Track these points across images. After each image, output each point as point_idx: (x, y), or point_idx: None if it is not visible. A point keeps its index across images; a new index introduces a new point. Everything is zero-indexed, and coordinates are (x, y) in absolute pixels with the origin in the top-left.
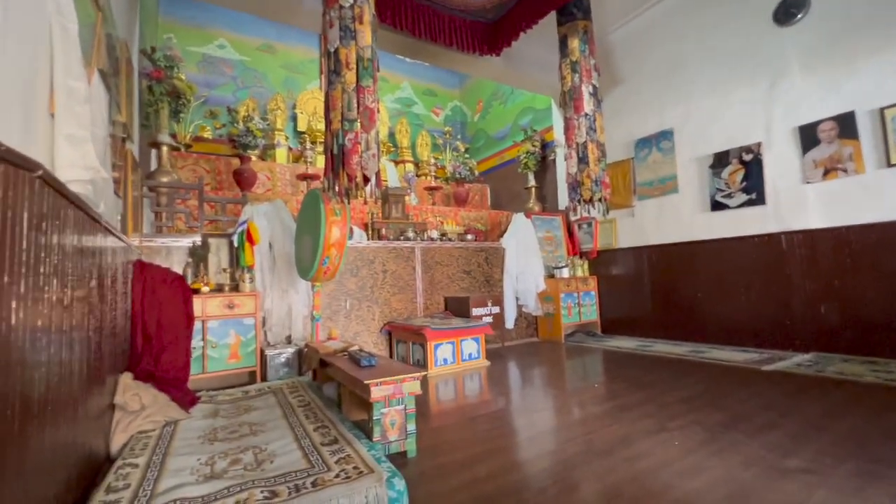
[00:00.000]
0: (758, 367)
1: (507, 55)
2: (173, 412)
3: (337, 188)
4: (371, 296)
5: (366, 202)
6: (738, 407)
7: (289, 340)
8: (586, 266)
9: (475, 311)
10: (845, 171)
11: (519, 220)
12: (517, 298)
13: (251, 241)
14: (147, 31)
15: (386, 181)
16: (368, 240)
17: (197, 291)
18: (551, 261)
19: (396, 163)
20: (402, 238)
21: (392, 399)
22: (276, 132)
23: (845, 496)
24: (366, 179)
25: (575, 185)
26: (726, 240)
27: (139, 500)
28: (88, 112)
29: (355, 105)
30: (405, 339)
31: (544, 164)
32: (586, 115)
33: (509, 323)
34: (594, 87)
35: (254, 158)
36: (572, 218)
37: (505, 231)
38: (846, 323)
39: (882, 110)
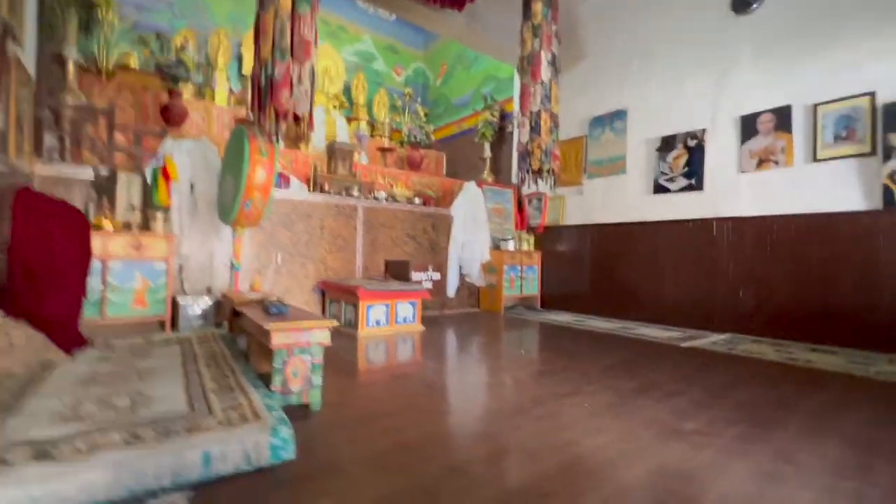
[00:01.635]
0: (677, 344)
1: (471, 14)
2: (50, 354)
3: (263, 125)
4: (306, 252)
5: (298, 147)
6: (651, 376)
7: (209, 291)
8: (532, 241)
9: (415, 276)
10: (777, 162)
11: (470, 188)
12: (461, 267)
13: (167, 177)
14: None
15: (335, 137)
16: (310, 191)
17: (98, 228)
18: (499, 233)
19: (350, 119)
20: (344, 195)
21: (296, 347)
22: (216, 71)
23: (730, 455)
24: (296, 118)
25: (525, 155)
26: (664, 223)
27: None
28: None
29: (288, 33)
30: (338, 299)
31: (502, 136)
32: (542, 83)
33: (451, 291)
34: (553, 55)
35: (187, 96)
36: (524, 192)
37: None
38: (760, 307)
39: (815, 106)
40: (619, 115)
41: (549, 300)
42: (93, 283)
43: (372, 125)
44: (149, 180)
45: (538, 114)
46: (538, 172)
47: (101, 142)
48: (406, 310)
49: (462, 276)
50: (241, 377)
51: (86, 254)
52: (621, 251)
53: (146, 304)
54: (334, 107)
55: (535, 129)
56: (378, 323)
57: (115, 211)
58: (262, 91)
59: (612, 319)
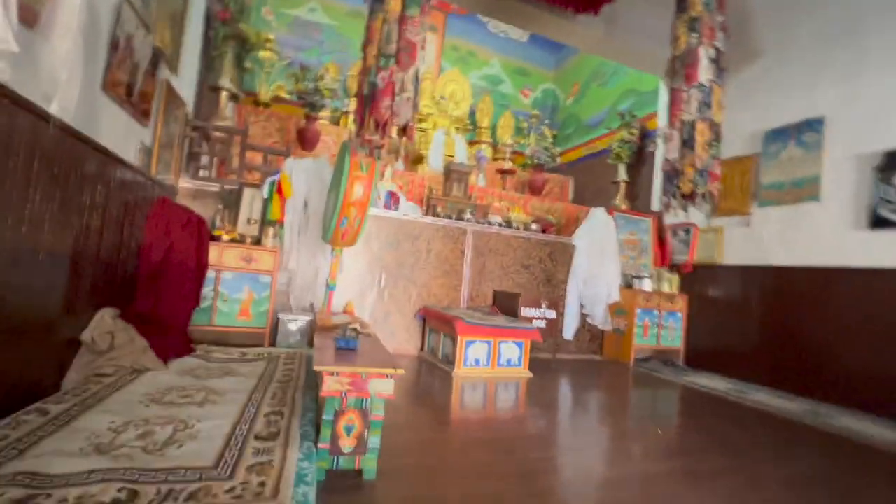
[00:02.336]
0: None
1: (610, 20)
2: (146, 361)
3: (363, 138)
4: (410, 275)
5: (402, 157)
6: None
7: (311, 308)
8: (676, 281)
9: (525, 312)
10: None
11: (598, 215)
12: (582, 306)
13: (281, 193)
14: None
15: (452, 156)
16: (424, 215)
17: (217, 239)
18: (631, 268)
19: (472, 143)
20: (454, 218)
21: (351, 397)
22: (352, 99)
23: None
24: (385, 128)
25: (672, 175)
26: (885, 271)
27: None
28: None
29: (395, 37)
30: (437, 329)
31: (640, 157)
32: (701, 85)
33: (568, 332)
34: (717, 50)
35: (323, 121)
36: (667, 221)
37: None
38: None
39: None
40: (812, 124)
41: (697, 357)
42: (206, 291)
43: (494, 147)
44: (265, 195)
45: (693, 124)
46: (689, 197)
47: (235, 160)
48: (511, 350)
49: (583, 316)
50: (295, 419)
51: (202, 263)
52: (811, 303)
53: (250, 315)
54: (457, 129)
55: (687, 142)
56: (477, 362)
57: (236, 223)
58: (365, 101)
59: (791, 396)
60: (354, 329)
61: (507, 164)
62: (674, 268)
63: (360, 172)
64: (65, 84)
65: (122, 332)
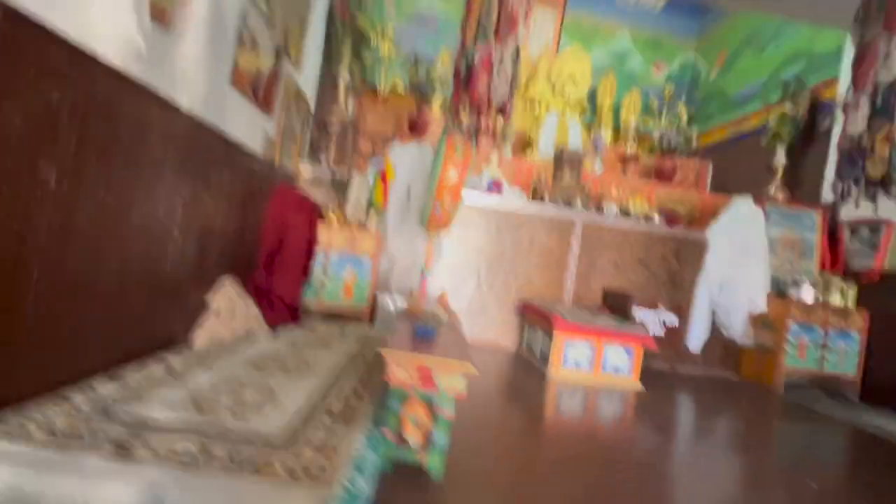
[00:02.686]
0: None
1: None
2: (258, 328)
3: (459, 120)
4: (510, 267)
5: (494, 140)
6: None
7: (410, 293)
8: (852, 293)
9: (639, 316)
10: None
11: (741, 206)
12: (714, 314)
13: (385, 178)
14: None
15: (565, 142)
16: (531, 201)
17: (326, 222)
18: (787, 272)
19: (591, 126)
20: (560, 205)
21: (419, 389)
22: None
23: None
24: (487, 108)
25: (855, 155)
26: None
27: (117, 400)
28: None
29: (495, 9)
30: (534, 325)
31: (808, 136)
32: None
33: (694, 344)
34: None
35: (436, 109)
36: (843, 216)
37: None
38: None
39: None
40: None
41: (877, 390)
42: (316, 269)
43: (616, 131)
44: (370, 181)
45: (891, 86)
46: (881, 184)
47: (348, 148)
48: (618, 356)
49: (715, 327)
50: (369, 406)
51: (311, 242)
52: None
53: (352, 294)
54: (573, 112)
55: (882, 111)
56: (578, 365)
57: (345, 208)
58: (461, 82)
59: None
60: (440, 315)
61: (629, 150)
62: (850, 276)
63: (455, 156)
64: (194, 79)
65: (240, 300)
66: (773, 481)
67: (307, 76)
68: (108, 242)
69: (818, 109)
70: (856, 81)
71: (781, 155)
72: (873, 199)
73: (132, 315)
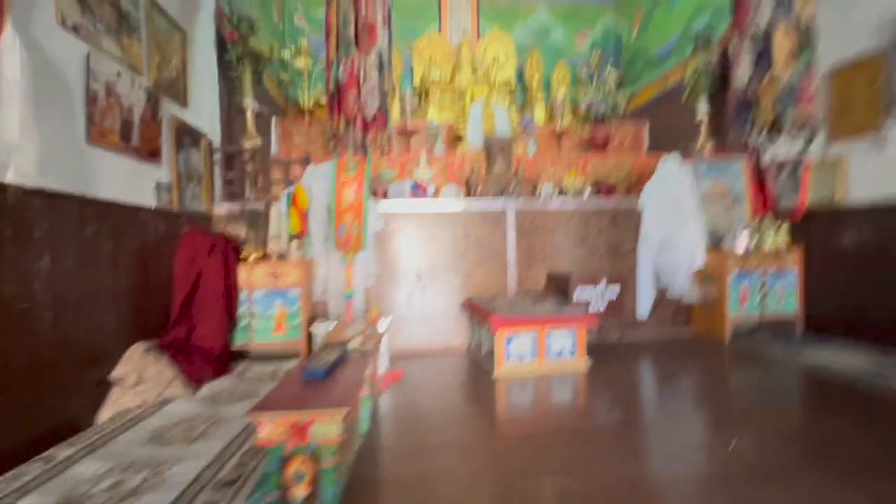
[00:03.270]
0: None
1: None
2: (172, 390)
3: (339, 136)
4: (450, 265)
5: (360, 153)
6: None
7: (339, 318)
8: (785, 231)
9: (582, 293)
10: None
11: (668, 167)
12: (657, 276)
13: (296, 205)
14: (265, 4)
15: (493, 129)
16: (467, 196)
17: (245, 260)
18: (723, 223)
19: (523, 107)
20: (501, 196)
21: (295, 444)
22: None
23: None
24: (364, 124)
25: (743, 105)
26: None
27: None
28: None
29: (352, 21)
30: (480, 322)
31: (725, 85)
32: None
33: (643, 311)
34: None
35: None
36: (766, 160)
37: None
38: None
39: None
40: None
41: (820, 324)
42: (242, 310)
43: (549, 108)
44: (283, 209)
45: (768, 31)
46: (771, 131)
47: (264, 178)
48: (562, 340)
49: (662, 289)
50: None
51: (231, 287)
52: None
53: (284, 329)
54: (497, 96)
55: (762, 57)
56: (522, 358)
57: (266, 241)
58: (333, 98)
59: None
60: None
61: (560, 126)
62: (780, 216)
63: (347, 175)
64: (20, 149)
65: (151, 365)
66: (725, 428)
67: (203, 111)
68: None
69: (729, 57)
70: (736, 30)
71: (704, 108)
72: (769, 145)
73: (9, 414)
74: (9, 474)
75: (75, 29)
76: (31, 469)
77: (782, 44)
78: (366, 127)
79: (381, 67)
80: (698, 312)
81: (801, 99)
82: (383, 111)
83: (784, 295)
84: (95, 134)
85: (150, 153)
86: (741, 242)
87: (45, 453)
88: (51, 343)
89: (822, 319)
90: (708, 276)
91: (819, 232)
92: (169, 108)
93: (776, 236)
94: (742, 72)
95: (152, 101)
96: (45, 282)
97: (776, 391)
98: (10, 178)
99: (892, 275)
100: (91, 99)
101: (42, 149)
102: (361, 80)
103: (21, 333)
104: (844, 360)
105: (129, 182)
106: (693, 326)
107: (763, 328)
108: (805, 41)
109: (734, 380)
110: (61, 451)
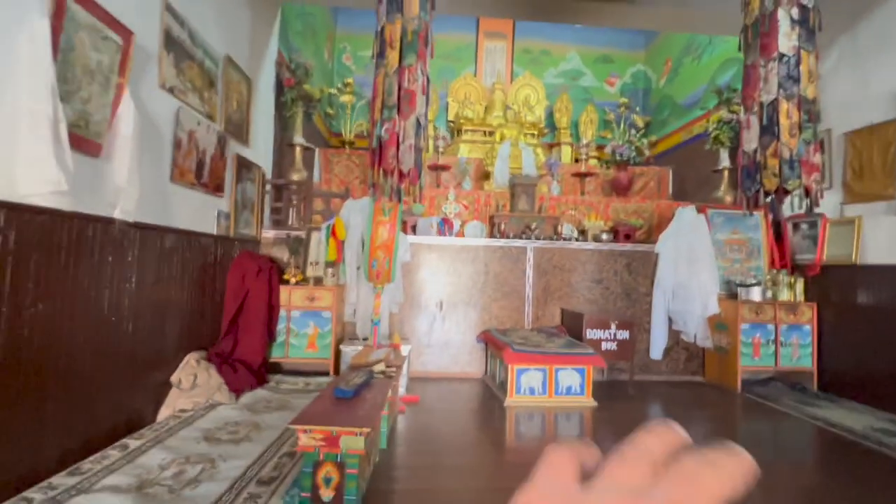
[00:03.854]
0: None
1: None
2: (218, 396)
3: (379, 185)
4: (469, 300)
5: (404, 202)
6: None
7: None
8: (800, 286)
9: (590, 334)
10: None
11: (684, 216)
12: (671, 321)
13: (335, 236)
14: (317, 44)
15: (520, 168)
16: (489, 235)
17: (287, 282)
18: (738, 273)
19: (551, 146)
20: (522, 236)
21: (326, 452)
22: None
23: None
24: (401, 175)
25: (753, 170)
26: None
27: (70, 492)
28: (49, 133)
29: (395, 90)
30: (494, 355)
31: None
32: (783, 56)
33: (655, 352)
34: (803, 7)
35: None
36: (784, 214)
37: None
38: None
39: None
40: None
41: (834, 381)
42: (280, 328)
43: (572, 147)
44: (322, 239)
45: (774, 104)
46: (776, 194)
47: (307, 208)
48: (571, 378)
49: (676, 333)
50: (298, 464)
51: (273, 306)
52: None
53: (316, 347)
54: (531, 136)
55: (767, 128)
56: (532, 391)
57: (305, 266)
58: (374, 152)
59: None
60: (381, 371)
61: (584, 167)
62: (796, 270)
63: (383, 217)
64: (127, 190)
65: (203, 371)
66: None
67: (259, 147)
68: (55, 344)
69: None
70: (745, 102)
71: (725, 158)
72: (773, 210)
73: (92, 406)
74: (96, 455)
75: (171, 90)
76: (112, 454)
77: (787, 116)
78: (401, 178)
79: (417, 129)
80: (711, 359)
81: (809, 170)
82: (417, 166)
83: (798, 349)
84: (177, 174)
85: (216, 187)
86: (755, 293)
87: (120, 441)
88: (129, 349)
89: (835, 376)
90: (721, 324)
91: (834, 289)
92: (233, 147)
93: (791, 290)
94: (751, 137)
95: (221, 143)
96: (131, 297)
97: (784, 445)
98: (117, 214)
99: None
100: (176, 145)
101: (139, 189)
102: (401, 140)
103: (110, 340)
104: (853, 418)
105: (197, 212)
106: (705, 373)
107: (776, 380)
108: (808, 116)
109: (742, 430)
110: (133, 442)
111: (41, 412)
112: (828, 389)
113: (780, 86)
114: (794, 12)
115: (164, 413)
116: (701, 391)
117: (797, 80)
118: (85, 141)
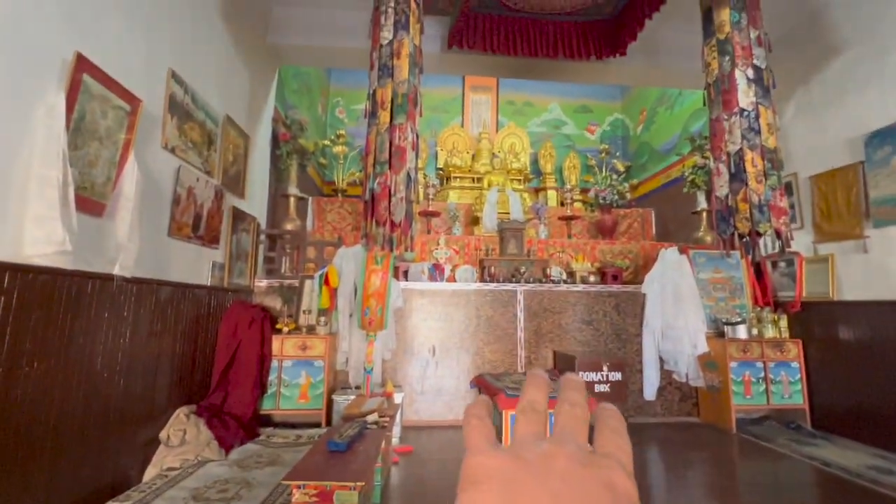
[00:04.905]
0: None
1: (644, 49)
2: (208, 452)
3: (370, 235)
4: (461, 344)
5: (396, 250)
6: None
7: (358, 390)
8: (784, 323)
9: (583, 376)
10: None
11: (668, 257)
12: (662, 361)
13: (328, 284)
14: (311, 99)
15: (508, 213)
16: (480, 280)
17: (279, 331)
18: (724, 311)
19: (537, 190)
20: (512, 280)
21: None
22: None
23: None
24: (392, 226)
25: (726, 214)
26: None
27: None
28: (57, 196)
29: (387, 146)
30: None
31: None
32: (743, 111)
33: (648, 392)
34: (756, 68)
35: None
36: (762, 253)
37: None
38: None
39: None
40: None
41: (826, 418)
42: (272, 378)
43: (557, 191)
44: (315, 287)
45: (739, 154)
46: (749, 236)
47: (299, 256)
48: None
49: (668, 372)
50: None
51: (264, 356)
52: None
53: (308, 398)
54: (517, 182)
55: (735, 175)
56: None
57: (297, 315)
58: (367, 205)
59: None
60: (375, 421)
61: (569, 211)
62: (779, 307)
63: (376, 266)
64: (127, 247)
65: (192, 426)
66: None
67: (255, 198)
68: (48, 403)
69: None
70: (713, 152)
71: (702, 200)
72: (749, 251)
73: (79, 467)
74: None
75: (172, 150)
76: None
77: (752, 164)
78: (393, 228)
79: (408, 182)
80: (704, 399)
81: (776, 213)
82: (408, 217)
83: (788, 386)
84: (174, 228)
85: (212, 239)
86: (741, 331)
87: None
88: (119, 405)
89: (827, 412)
90: (711, 363)
91: (817, 325)
92: (230, 200)
93: (776, 327)
94: (721, 183)
95: (218, 196)
96: (125, 352)
97: (783, 487)
98: (116, 270)
99: (887, 373)
100: (175, 201)
101: (139, 245)
102: (392, 193)
103: (101, 397)
104: (848, 457)
105: (192, 264)
106: (700, 413)
107: (770, 419)
108: (772, 164)
109: (740, 473)
110: None
111: (27, 475)
112: (821, 426)
113: (743, 137)
114: (749, 72)
115: (150, 472)
116: (697, 432)
117: (758, 132)
118: (90, 202)
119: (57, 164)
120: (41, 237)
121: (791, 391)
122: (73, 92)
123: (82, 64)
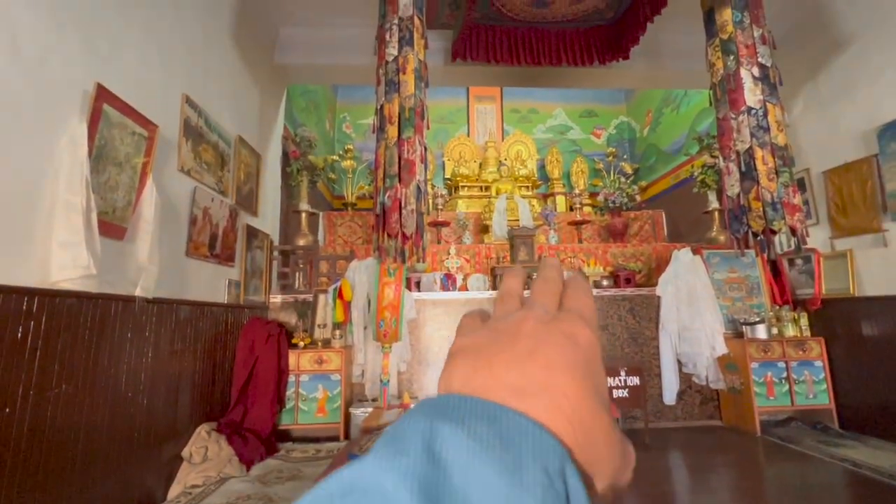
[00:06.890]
0: None
1: (647, 52)
2: (229, 469)
3: (382, 248)
4: None
5: (408, 261)
6: None
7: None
8: (804, 321)
9: None
10: None
11: (681, 258)
12: (679, 363)
13: (342, 297)
14: (319, 116)
15: (517, 221)
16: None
17: (295, 346)
18: (741, 311)
19: (546, 196)
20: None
21: None
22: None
23: None
24: (404, 238)
25: (738, 213)
26: None
27: None
28: (82, 221)
29: (396, 160)
30: None
31: None
32: (750, 109)
33: (668, 397)
34: (762, 66)
35: None
36: (777, 250)
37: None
38: None
39: None
40: None
41: (854, 418)
42: (289, 393)
43: (566, 196)
44: (330, 301)
45: (749, 152)
46: (763, 234)
47: (313, 271)
48: None
49: (687, 375)
50: None
51: (282, 371)
52: None
53: (325, 412)
54: (525, 188)
55: (746, 174)
56: None
57: (312, 329)
58: (378, 218)
59: None
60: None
61: (579, 215)
62: (798, 306)
63: (388, 278)
64: (148, 268)
65: (213, 443)
66: None
67: (267, 216)
68: (76, 424)
69: None
70: (722, 152)
71: (713, 200)
72: (764, 250)
73: (105, 484)
74: None
75: (188, 172)
76: None
77: (762, 162)
78: (405, 240)
79: (418, 194)
80: (726, 401)
81: (791, 210)
82: (419, 229)
83: (812, 386)
84: (192, 248)
85: (227, 257)
86: (760, 331)
87: None
88: (143, 423)
89: (855, 412)
90: (732, 364)
91: (839, 322)
92: (243, 218)
93: (796, 325)
94: (732, 182)
95: (233, 215)
96: (147, 372)
97: (812, 490)
98: (138, 292)
99: None
100: (192, 221)
101: (159, 266)
102: (403, 205)
103: (126, 416)
104: (878, 456)
105: (210, 283)
106: (722, 416)
107: (796, 420)
108: (783, 161)
109: (767, 476)
110: None
111: (60, 493)
112: (849, 427)
113: (752, 135)
114: (755, 71)
115: (174, 490)
116: (720, 436)
117: (767, 130)
118: (112, 226)
119: (81, 191)
120: (67, 262)
121: (816, 391)
122: (95, 121)
123: (102, 94)
